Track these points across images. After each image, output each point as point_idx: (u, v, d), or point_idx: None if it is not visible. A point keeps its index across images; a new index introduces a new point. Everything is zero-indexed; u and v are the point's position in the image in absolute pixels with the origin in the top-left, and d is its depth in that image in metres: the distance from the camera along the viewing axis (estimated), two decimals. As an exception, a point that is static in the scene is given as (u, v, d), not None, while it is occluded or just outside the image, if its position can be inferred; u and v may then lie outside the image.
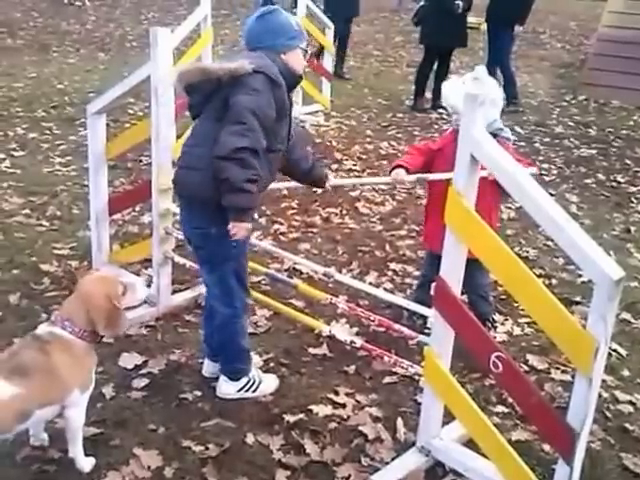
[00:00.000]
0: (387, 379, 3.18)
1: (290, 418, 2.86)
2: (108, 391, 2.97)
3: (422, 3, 8.29)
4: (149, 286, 2.64)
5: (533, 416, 2.31)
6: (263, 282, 3.91)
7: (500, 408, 2.98)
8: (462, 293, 2.54)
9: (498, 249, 2.22)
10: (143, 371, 3.14)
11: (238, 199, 2.56)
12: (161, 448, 2.66)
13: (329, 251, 4.49)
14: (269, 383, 3.06)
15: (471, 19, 8.37)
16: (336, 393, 3.05)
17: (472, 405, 2.45)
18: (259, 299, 3.30)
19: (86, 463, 2.53)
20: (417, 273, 4.23)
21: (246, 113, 2.53)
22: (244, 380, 2.98)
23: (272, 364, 3.24)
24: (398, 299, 2.97)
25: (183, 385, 3.06)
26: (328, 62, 7.76)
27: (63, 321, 2.39)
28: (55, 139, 6.60)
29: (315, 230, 4.79)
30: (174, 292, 3.75)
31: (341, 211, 5.13)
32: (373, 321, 2.81)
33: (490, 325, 3.49)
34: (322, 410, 2.93)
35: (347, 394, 3.06)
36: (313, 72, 8.13)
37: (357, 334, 3.47)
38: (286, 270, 4.11)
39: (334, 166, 6.01)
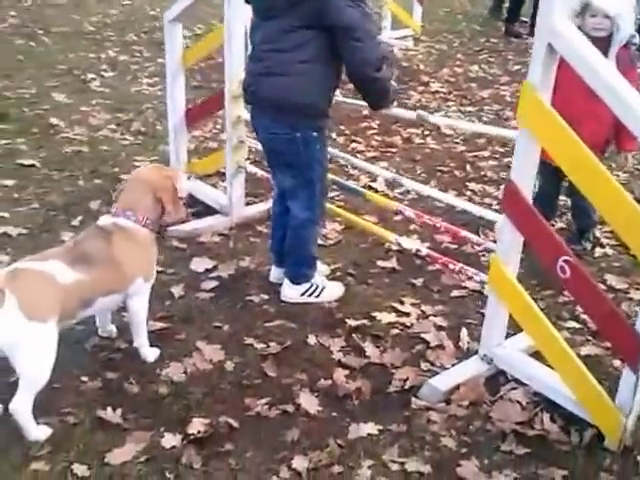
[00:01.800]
0: (455, 292, 3.12)
1: (352, 323, 2.86)
2: (177, 291, 3.05)
3: None
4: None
5: (601, 324, 2.20)
6: (336, 197, 3.88)
7: (572, 324, 2.87)
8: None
9: (579, 152, 2.05)
10: (213, 275, 3.20)
11: (389, 94, 2.73)
12: (224, 344, 2.72)
13: (407, 170, 4.39)
14: (334, 290, 3.06)
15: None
16: (401, 302, 3.02)
17: (537, 312, 2.34)
18: (332, 211, 3.27)
19: (150, 353, 2.62)
20: (497, 194, 4.09)
21: (364, 23, 2.54)
22: (306, 285, 2.99)
23: (339, 273, 3.24)
24: (468, 205, 2.83)
25: (250, 288, 3.11)
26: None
27: (125, 212, 2.44)
28: (144, 62, 6.73)
29: (394, 150, 4.69)
30: (248, 204, 3.79)
31: (423, 132, 5.00)
32: (439, 228, 2.73)
33: (586, 240, 3.47)
34: (385, 317, 2.91)
35: (412, 304, 3.02)
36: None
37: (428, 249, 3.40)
38: (362, 187, 4.04)
39: (420, 88, 5.84)
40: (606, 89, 1.93)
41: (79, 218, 3.68)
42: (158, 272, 3.03)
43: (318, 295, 3.01)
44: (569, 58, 2.03)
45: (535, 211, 2.30)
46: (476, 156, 4.60)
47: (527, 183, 2.29)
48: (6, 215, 3.69)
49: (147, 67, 6.56)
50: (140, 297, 2.51)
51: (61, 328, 2.24)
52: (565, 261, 2.18)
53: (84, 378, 2.51)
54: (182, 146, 3.96)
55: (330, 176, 3.15)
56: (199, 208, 3.74)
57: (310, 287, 3.00)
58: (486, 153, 4.63)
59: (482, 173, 4.37)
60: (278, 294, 3.04)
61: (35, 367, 2.15)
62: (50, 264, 2.23)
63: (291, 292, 3.01)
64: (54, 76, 5.76)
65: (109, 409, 2.35)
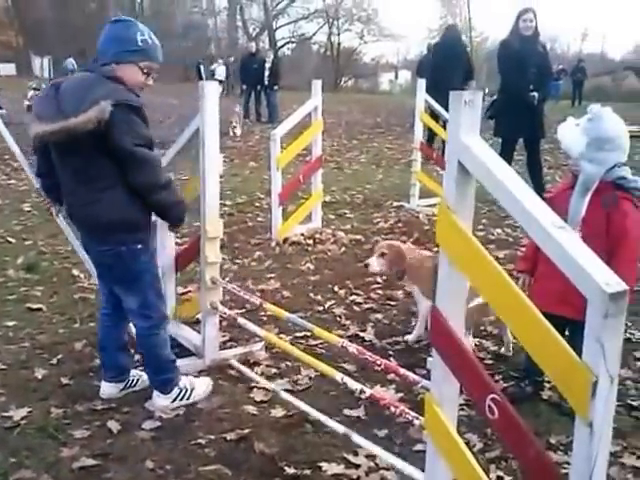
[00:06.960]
0: (419, 446, 2.84)
1: (293, 472, 2.63)
2: (114, 426, 2.93)
3: (495, 97, 8.53)
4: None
5: (530, 471, 1.92)
6: (319, 346, 3.76)
7: None
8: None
9: (494, 274, 1.94)
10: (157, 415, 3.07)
11: None
12: (149, 486, 2.55)
13: (401, 322, 4.23)
14: (201, 387, 3.14)
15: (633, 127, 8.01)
16: (355, 454, 2.77)
17: (478, 473, 2.07)
18: (307, 360, 3.14)
19: None
20: (494, 348, 3.88)
21: None
22: (176, 391, 3.07)
23: (297, 418, 3.03)
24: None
25: (199, 430, 2.94)
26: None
27: None
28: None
29: (394, 303, 4.56)
30: (227, 348, 3.69)
31: (429, 288, 4.87)
32: (380, 365, 2.55)
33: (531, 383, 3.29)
34: (332, 468, 2.67)
35: (367, 456, 2.76)
36: (434, 164, 8.11)
37: (401, 400, 3.17)
38: (349, 337, 3.91)
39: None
40: (520, 210, 1.83)
41: (59, 357, 3.67)
42: (106, 408, 2.98)
43: (189, 397, 3.09)
44: (478, 174, 1.96)
45: (463, 343, 2.13)
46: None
47: (454, 310, 2.14)
48: (-5, 352, 3.74)
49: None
50: None
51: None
52: (493, 400, 1.96)
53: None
54: (171, 290, 3.94)
55: (285, 313, 3.06)
56: (176, 350, 3.66)
57: (180, 392, 3.08)
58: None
59: (482, 328, 4.16)
60: (224, 437, 2.86)
61: None
62: None
63: (162, 402, 3.06)
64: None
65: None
